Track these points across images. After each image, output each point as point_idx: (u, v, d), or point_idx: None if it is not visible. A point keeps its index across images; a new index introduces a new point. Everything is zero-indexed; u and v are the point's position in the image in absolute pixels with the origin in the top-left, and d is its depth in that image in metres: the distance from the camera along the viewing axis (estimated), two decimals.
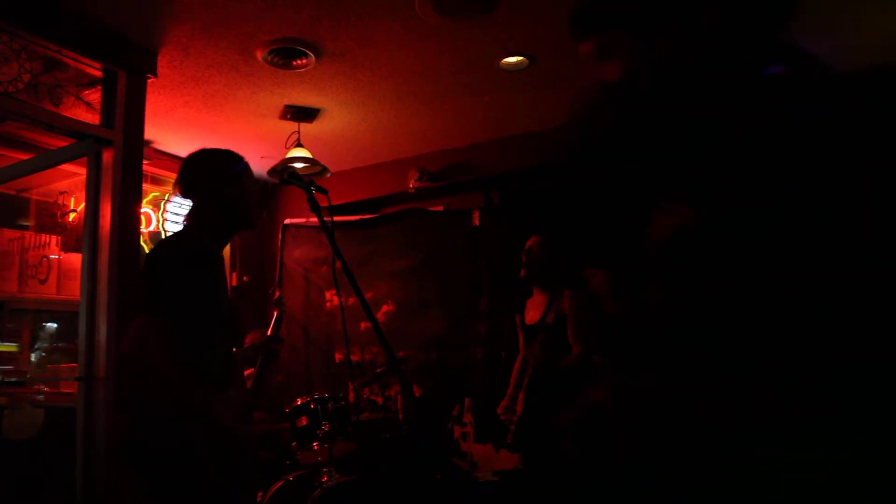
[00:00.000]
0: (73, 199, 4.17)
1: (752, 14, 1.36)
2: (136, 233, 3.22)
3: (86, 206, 3.12)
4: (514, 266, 3.28)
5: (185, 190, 2.02)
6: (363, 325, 4.73)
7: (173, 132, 4.27)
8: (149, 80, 3.27)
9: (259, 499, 3.34)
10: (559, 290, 3.14)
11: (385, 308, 4.80)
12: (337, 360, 4.93)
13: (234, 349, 2.22)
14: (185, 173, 2.02)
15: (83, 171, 3.20)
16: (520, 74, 3.59)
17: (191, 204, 2.03)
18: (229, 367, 1.93)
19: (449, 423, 3.80)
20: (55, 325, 4.03)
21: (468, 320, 4.49)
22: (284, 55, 3.26)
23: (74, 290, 3.56)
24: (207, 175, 1.99)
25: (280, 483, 3.37)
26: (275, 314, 2.61)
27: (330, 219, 1.86)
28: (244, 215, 2.04)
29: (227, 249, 5.74)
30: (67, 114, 3.12)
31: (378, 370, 3.93)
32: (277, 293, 2.75)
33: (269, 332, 2.49)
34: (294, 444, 3.48)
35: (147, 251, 3.17)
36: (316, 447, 3.39)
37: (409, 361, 4.46)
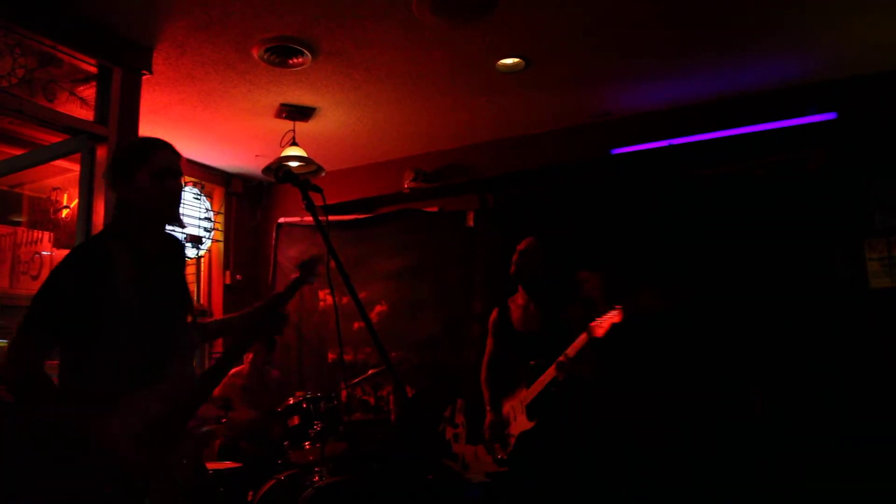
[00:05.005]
0: (65, 196, 4.14)
1: None
2: None
3: (79, 203, 3.11)
4: (509, 269, 3.21)
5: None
6: (356, 325, 4.73)
7: (168, 129, 4.25)
8: (144, 77, 3.25)
9: (250, 498, 3.33)
10: (558, 297, 2.92)
11: (378, 308, 4.79)
12: (330, 360, 4.92)
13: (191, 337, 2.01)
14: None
15: (76, 168, 3.18)
16: (516, 76, 3.60)
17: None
18: (158, 361, 1.81)
19: (441, 424, 3.80)
20: None
21: (461, 322, 4.48)
22: (281, 54, 3.25)
23: None
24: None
25: (271, 482, 3.36)
26: (292, 278, 2.13)
27: (325, 218, 1.84)
28: (150, 212, 1.83)
29: (219, 247, 5.68)
30: (61, 110, 3.10)
31: (371, 371, 3.92)
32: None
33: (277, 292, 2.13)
34: (286, 443, 3.48)
35: None
36: (307, 447, 3.38)
37: (402, 362, 4.45)
